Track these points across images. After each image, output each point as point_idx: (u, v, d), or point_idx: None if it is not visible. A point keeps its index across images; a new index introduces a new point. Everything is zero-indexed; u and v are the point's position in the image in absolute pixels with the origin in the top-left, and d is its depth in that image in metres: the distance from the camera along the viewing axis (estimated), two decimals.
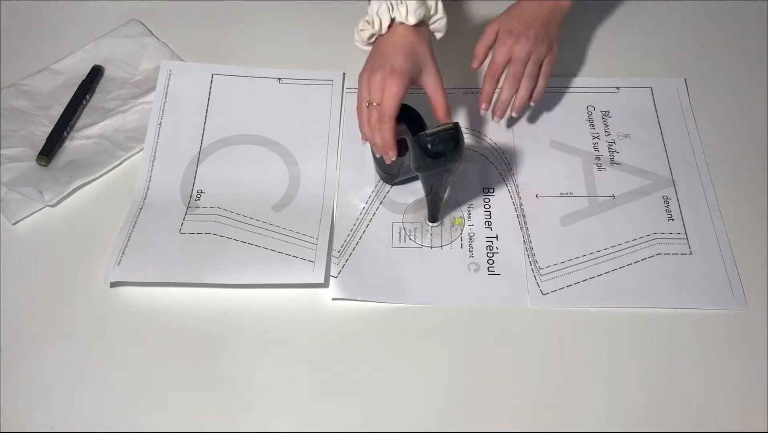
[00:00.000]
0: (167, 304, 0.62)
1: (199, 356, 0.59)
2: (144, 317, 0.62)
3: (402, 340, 0.60)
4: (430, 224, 0.65)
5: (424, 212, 0.65)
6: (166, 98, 0.75)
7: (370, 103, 0.59)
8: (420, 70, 0.60)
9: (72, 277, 0.64)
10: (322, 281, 0.61)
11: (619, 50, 0.80)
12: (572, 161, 0.70)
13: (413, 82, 0.59)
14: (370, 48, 0.63)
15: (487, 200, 0.67)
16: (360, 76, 0.60)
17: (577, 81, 0.77)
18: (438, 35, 0.64)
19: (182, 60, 0.79)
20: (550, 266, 0.63)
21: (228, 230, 0.65)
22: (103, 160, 0.71)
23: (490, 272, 0.63)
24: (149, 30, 0.83)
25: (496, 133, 0.72)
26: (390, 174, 0.67)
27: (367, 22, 0.60)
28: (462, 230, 0.65)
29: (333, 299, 0.62)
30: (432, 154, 0.54)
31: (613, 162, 0.70)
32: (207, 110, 0.74)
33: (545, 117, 0.74)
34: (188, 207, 0.67)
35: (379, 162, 0.66)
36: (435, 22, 0.62)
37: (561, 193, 0.68)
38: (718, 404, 0.56)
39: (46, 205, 0.68)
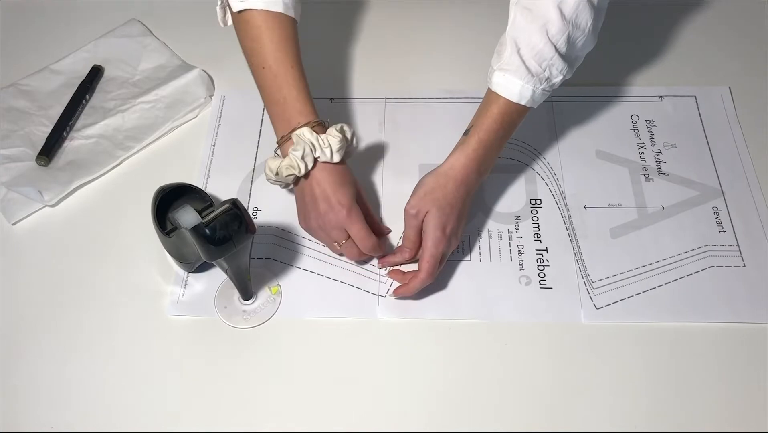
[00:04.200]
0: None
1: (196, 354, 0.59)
2: (146, 318, 0.62)
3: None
4: (245, 302, 0.60)
5: (234, 292, 0.60)
6: (220, 122, 0.75)
7: (338, 243, 0.60)
8: (355, 192, 0.61)
9: (72, 276, 0.64)
10: (387, 317, 0.60)
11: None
12: (619, 172, 0.69)
13: None
14: (280, 183, 0.62)
15: (534, 212, 0.66)
16: (309, 225, 0.61)
17: (620, 90, 0.76)
18: (348, 157, 0.62)
19: (185, 62, 0.79)
20: (602, 279, 0.62)
21: (287, 254, 0.64)
22: (102, 160, 0.71)
23: (542, 285, 0.62)
24: (149, 30, 0.83)
25: (541, 144, 0.71)
26: (188, 263, 0.62)
27: (291, 167, 0.58)
28: (280, 299, 0.61)
29: (382, 318, 0.61)
30: (217, 241, 0.50)
31: (660, 172, 0.69)
32: (261, 129, 0.74)
33: (590, 127, 0.73)
34: None
35: (176, 255, 0.61)
36: (350, 147, 0.61)
37: (609, 205, 0.67)
38: None
39: (46, 206, 0.68)
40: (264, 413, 0.56)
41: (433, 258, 0.58)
